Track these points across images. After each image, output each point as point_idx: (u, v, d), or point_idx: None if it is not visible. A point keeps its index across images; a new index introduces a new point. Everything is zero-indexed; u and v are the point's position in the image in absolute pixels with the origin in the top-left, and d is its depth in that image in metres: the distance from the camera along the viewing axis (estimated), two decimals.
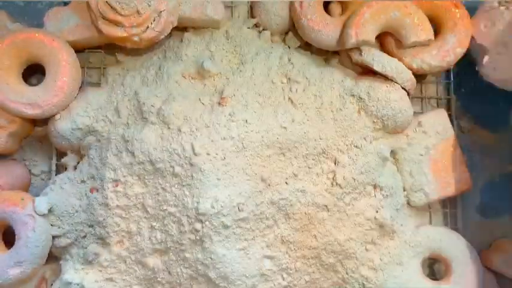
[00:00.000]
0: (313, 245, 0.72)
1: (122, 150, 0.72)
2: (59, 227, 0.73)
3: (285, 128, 0.71)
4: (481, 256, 0.79)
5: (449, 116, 0.81)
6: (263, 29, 0.80)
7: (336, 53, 0.80)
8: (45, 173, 0.81)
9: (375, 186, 0.75)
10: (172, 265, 0.71)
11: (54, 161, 0.80)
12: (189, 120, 0.71)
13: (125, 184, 0.71)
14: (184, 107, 0.71)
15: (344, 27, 0.75)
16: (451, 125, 0.80)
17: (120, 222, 0.72)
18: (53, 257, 0.76)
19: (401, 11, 0.74)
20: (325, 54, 0.80)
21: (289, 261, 0.72)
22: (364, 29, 0.73)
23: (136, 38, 0.72)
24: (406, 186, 0.78)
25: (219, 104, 0.72)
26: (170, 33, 0.75)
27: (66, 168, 0.77)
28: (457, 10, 0.76)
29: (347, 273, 0.74)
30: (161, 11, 0.72)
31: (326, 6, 0.78)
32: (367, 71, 0.77)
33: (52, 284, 0.75)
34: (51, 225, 0.73)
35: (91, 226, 0.73)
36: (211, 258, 0.69)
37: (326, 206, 0.72)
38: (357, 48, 0.75)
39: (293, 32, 0.80)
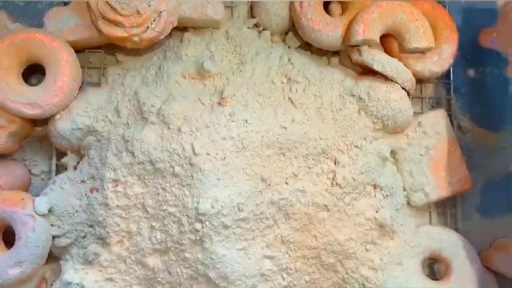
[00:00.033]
0: (313, 245, 0.72)
1: (122, 150, 0.72)
2: (59, 227, 0.73)
3: (285, 128, 0.71)
4: (481, 256, 0.79)
5: (449, 116, 0.81)
6: (263, 29, 0.80)
7: (336, 53, 0.80)
8: (45, 173, 0.81)
9: (375, 186, 0.75)
10: (172, 265, 0.71)
11: (54, 161, 0.80)
12: (189, 120, 0.71)
13: (125, 184, 0.71)
14: (184, 107, 0.71)
15: (351, 23, 0.74)
16: (451, 125, 0.80)
17: (120, 222, 0.72)
18: (53, 257, 0.76)
19: (408, 16, 0.74)
20: (325, 54, 0.80)
21: (289, 261, 0.72)
22: (372, 28, 0.73)
23: (136, 38, 0.72)
24: (406, 186, 0.78)
25: (219, 104, 0.72)
26: (170, 33, 0.75)
27: (66, 168, 0.77)
28: (450, 21, 0.79)
29: (347, 273, 0.74)
30: (161, 11, 0.72)
31: (326, 6, 0.78)
32: (367, 71, 0.77)
33: (52, 284, 0.75)
34: (51, 225, 0.73)
35: (91, 226, 0.73)
36: (211, 258, 0.69)
37: (326, 206, 0.72)
38: (357, 48, 0.75)
39: (293, 32, 0.80)
